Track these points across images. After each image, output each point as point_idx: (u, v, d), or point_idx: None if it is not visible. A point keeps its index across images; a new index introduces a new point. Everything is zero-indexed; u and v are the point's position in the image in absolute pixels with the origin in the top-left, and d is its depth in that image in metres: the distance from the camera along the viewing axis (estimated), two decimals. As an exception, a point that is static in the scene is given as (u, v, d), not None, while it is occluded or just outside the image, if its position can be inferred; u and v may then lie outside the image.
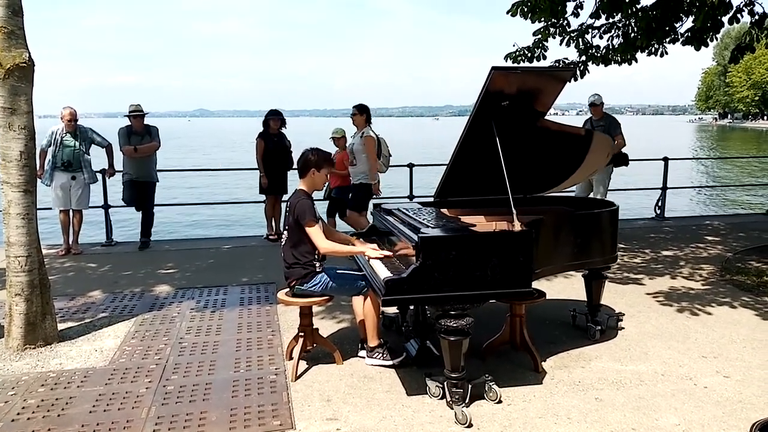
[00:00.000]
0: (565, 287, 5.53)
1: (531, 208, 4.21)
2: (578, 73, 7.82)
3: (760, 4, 6.96)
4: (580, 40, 7.73)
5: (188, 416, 3.21)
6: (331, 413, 3.26)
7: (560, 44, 7.78)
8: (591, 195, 7.59)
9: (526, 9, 7.32)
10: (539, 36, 7.70)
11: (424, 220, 3.60)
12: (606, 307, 4.73)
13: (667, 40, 7.42)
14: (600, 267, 4.28)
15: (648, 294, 5.37)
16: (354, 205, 6.84)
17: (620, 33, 7.66)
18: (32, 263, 4.16)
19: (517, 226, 3.34)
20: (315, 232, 3.66)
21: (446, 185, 4.27)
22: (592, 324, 4.33)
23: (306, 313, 3.84)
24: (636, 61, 7.72)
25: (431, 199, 4.47)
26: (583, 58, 7.85)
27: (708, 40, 7.11)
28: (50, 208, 7.05)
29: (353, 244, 3.94)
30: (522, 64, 7.58)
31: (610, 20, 7.63)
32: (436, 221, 3.62)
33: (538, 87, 3.75)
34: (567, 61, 7.92)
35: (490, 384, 3.37)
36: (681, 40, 7.33)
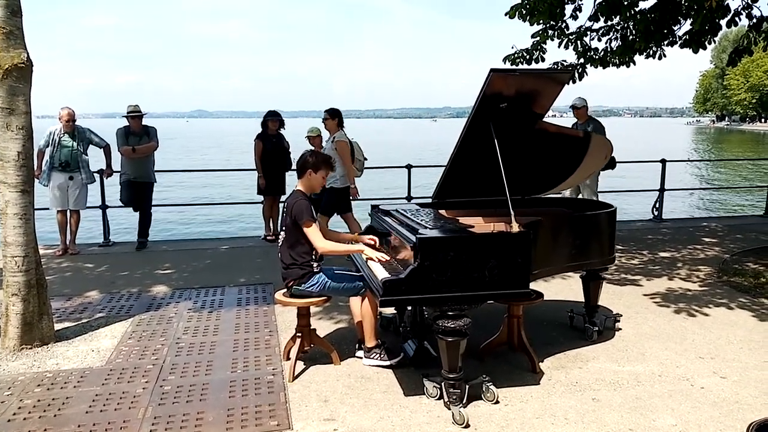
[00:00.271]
0: (562, 288, 5.54)
1: (529, 209, 4.21)
2: (576, 75, 7.84)
3: (758, 8, 6.99)
4: (578, 42, 7.74)
5: (185, 416, 3.21)
6: (328, 414, 3.26)
7: (558, 46, 7.80)
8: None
9: (524, 11, 7.33)
10: (538, 38, 7.72)
11: (422, 221, 3.60)
12: (603, 308, 4.74)
13: (665, 42, 7.44)
14: (598, 268, 4.29)
15: (645, 295, 5.38)
16: (324, 209, 6.72)
17: (618, 35, 7.68)
18: (29, 263, 4.15)
19: (515, 228, 3.34)
20: (312, 232, 3.67)
21: (444, 186, 4.27)
22: (590, 325, 4.34)
23: (303, 314, 3.84)
24: (634, 63, 7.73)
25: (429, 200, 4.48)
26: (582, 60, 7.86)
27: (706, 43, 7.13)
28: (47, 209, 7.03)
29: (356, 242, 3.95)
30: (520, 66, 7.60)
31: (609, 23, 7.65)
32: (434, 222, 3.62)
33: (536, 89, 3.76)
34: (565, 64, 7.94)
35: (488, 384, 3.37)
36: (679, 42, 7.35)
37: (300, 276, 3.74)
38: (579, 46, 7.76)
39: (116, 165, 7.34)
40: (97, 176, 7.29)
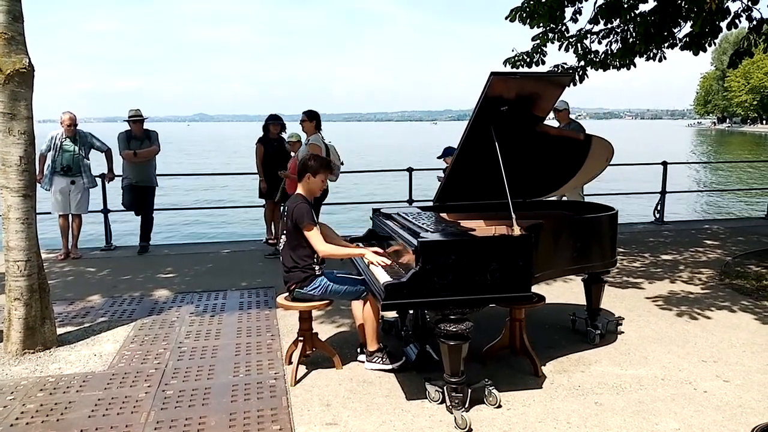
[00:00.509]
0: (564, 291, 5.53)
1: (530, 212, 4.21)
2: (577, 78, 7.84)
3: (758, 10, 7.00)
4: (578, 45, 7.74)
5: (187, 421, 3.21)
6: (330, 418, 3.25)
7: (559, 49, 7.80)
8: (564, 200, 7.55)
9: (524, 15, 7.34)
10: (538, 41, 7.72)
11: (423, 224, 3.61)
12: (605, 311, 4.73)
13: (666, 45, 7.45)
14: (599, 271, 4.28)
15: (647, 298, 5.37)
16: None
17: (619, 38, 7.69)
18: (31, 268, 4.16)
19: (517, 231, 3.34)
20: (313, 236, 3.67)
21: (445, 189, 4.27)
22: (592, 328, 4.33)
23: (305, 318, 3.84)
24: (634, 65, 7.74)
25: (431, 204, 4.48)
26: (582, 63, 7.86)
27: (706, 46, 7.14)
28: (49, 213, 7.05)
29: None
30: (521, 69, 7.60)
31: (609, 25, 7.66)
32: (435, 226, 3.62)
33: (536, 92, 3.76)
34: (566, 66, 7.94)
35: (490, 388, 3.37)
36: (679, 45, 7.36)
37: (302, 279, 3.75)
38: (579, 49, 7.77)
39: (118, 169, 7.36)
40: (98, 180, 7.30)
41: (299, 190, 3.85)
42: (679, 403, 3.41)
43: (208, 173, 23.98)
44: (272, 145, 7.47)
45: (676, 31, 7.33)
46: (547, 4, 7.16)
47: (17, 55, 3.98)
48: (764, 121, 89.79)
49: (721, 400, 3.43)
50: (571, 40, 7.71)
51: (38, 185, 5.59)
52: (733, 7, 6.47)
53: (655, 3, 7.20)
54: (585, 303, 4.49)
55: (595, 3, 7.46)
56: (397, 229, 3.69)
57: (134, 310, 5.13)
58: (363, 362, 3.90)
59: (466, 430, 3.07)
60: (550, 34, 7.67)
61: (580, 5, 7.58)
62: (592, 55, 7.82)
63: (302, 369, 3.81)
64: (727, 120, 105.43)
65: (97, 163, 7.19)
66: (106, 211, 7.71)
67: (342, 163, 7.01)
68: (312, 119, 6.58)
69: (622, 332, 4.50)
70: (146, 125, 7.33)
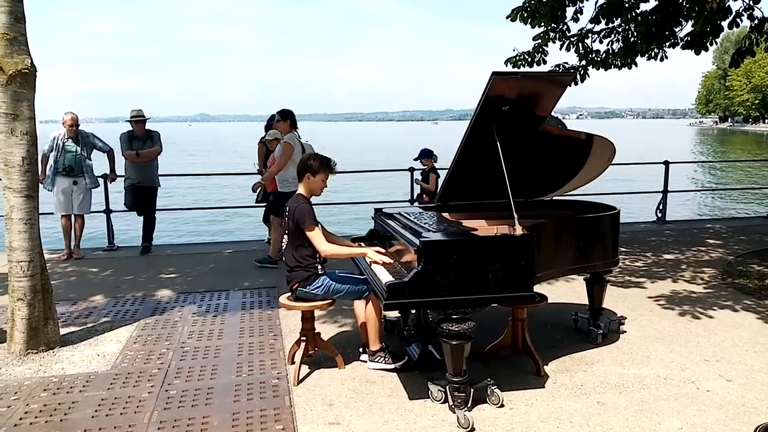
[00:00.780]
0: (566, 291, 5.53)
1: (532, 212, 4.21)
2: (578, 77, 7.84)
3: (760, 9, 6.99)
4: (580, 44, 7.75)
5: (190, 421, 3.22)
6: (333, 417, 3.26)
7: (560, 49, 7.81)
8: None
9: (525, 14, 7.34)
10: (539, 41, 7.72)
11: (425, 224, 3.61)
12: (608, 310, 4.73)
13: (667, 44, 7.44)
14: (601, 270, 4.29)
15: (650, 297, 5.37)
16: (275, 210, 6.49)
17: (620, 37, 7.69)
18: (34, 268, 4.17)
19: (519, 230, 3.34)
20: (315, 236, 3.67)
21: (447, 189, 4.28)
22: (594, 327, 4.33)
23: (308, 318, 3.85)
24: (636, 65, 7.73)
25: (432, 203, 4.48)
26: (583, 62, 7.86)
27: (708, 45, 7.13)
28: (52, 213, 7.06)
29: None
30: (522, 69, 7.60)
31: (610, 25, 7.66)
32: (437, 225, 3.63)
33: (538, 91, 3.76)
34: (567, 66, 7.95)
35: (493, 388, 3.37)
36: (680, 44, 7.35)
37: (305, 278, 3.75)
38: (580, 49, 7.77)
39: (120, 169, 7.37)
40: (101, 181, 7.32)
41: (300, 190, 3.85)
42: (681, 402, 3.40)
43: (210, 173, 24.02)
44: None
45: (677, 30, 7.32)
46: (548, 4, 7.16)
47: (19, 56, 3.99)
48: (766, 120, 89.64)
49: (724, 400, 3.43)
50: (572, 39, 7.72)
51: (40, 185, 5.60)
52: (735, 6, 6.49)
53: (657, 2, 7.20)
54: (587, 302, 4.49)
55: (596, 2, 7.47)
56: (399, 228, 3.69)
57: (137, 310, 5.14)
58: (365, 362, 3.90)
59: (468, 429, 3.08)
60: (552, 34, 7.67)
61: (581, 5, 7.58)
62: (594, 55, 7.82)
63: (305, 369, 3.82)
64: (729, 119, 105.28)
65: (99, 163, 7.20)
66: (108, 211, 7.72)
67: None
68: (286, 119, 6.40)
69: (625, 332, 4.50)
70: (148, 125, 7.35)
